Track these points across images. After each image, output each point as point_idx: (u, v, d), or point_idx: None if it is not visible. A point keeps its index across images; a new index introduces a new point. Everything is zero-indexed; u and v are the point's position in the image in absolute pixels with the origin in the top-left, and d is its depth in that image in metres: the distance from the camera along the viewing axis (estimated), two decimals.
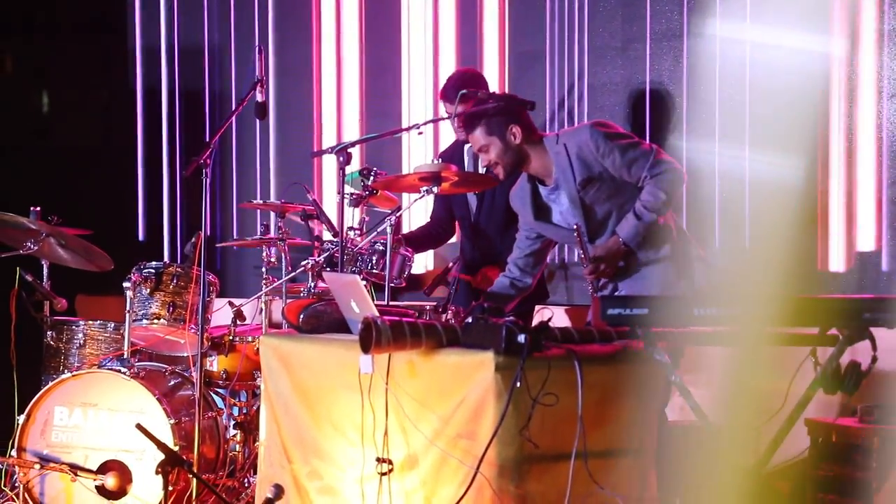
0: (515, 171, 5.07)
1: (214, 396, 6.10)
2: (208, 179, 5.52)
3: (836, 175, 6.02)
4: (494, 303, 5.00)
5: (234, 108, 5.84)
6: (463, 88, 5.76)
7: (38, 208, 6.20)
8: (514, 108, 5.03)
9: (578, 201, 4.94)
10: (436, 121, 5.86)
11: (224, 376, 6.09)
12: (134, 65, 8.24)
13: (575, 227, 4.92)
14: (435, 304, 4.87)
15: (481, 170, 5.33)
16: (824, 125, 5.98)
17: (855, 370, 3.84)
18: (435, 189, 5.06)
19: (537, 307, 5.97)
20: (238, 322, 6.04)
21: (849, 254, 6.01)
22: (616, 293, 4.98)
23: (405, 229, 6.61)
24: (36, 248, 6.16)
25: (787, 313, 3.83)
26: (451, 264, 5.58)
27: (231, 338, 6.04)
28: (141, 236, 8.16)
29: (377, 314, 4.20)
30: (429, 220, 6.28)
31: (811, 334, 3.90)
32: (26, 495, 5.69)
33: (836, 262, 6.04)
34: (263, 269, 6.10)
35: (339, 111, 7.65)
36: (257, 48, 5.74)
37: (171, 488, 4.79)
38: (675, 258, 4.96)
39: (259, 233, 6.16)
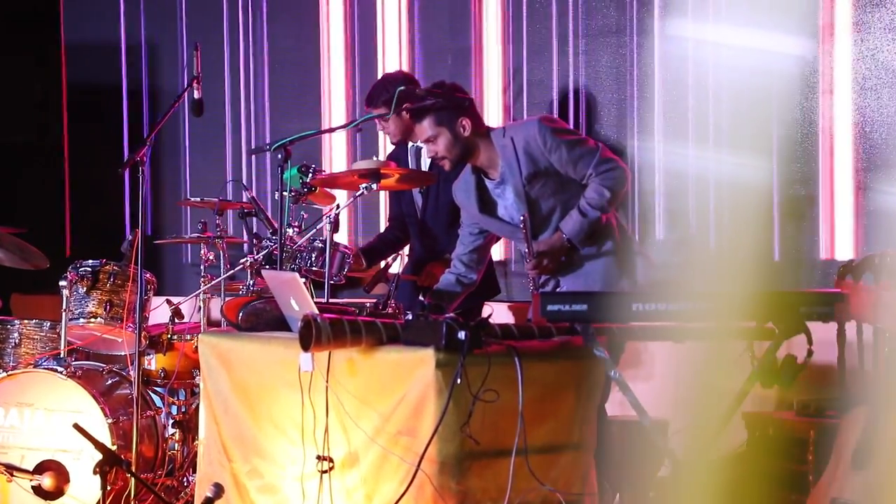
0: (462, 163, 5.07)
1: (153, 395, 6.05)
2: (145, 176, 5.48)
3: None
4: (441, 301, 5.00)
5: (171, 105, 5.79)
6: (386, 93, 5.80)
7: None
8: (464, 100, 5.02)
9: (524, 195, 4.94)
10: (374, 118, 5.83)
11: (162, 375, 6.05)
12: (73, 60, 8.18)
13: (522, 218, 4.91)
14: (375, 301, 4.86)
15: (425, 162, 5.31)
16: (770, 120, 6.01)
17: (791, 364, 3.88)
18: (374, 186, 5.04)
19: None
20: (176, 320, 6.00)
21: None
22: (558, 289, 4.99)
23: (344, 226, 6.61)
24: None
25: (725, 307, 3.85)
26: (389, 261, 5.58)
27: (169, 336, 6.00)
28: (76, 234, 8.09)
29: (317, 312, 4.19)
30: (387, 222, 6.23)
31: (748, 328, 3.93)
32: None
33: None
34: (201, 267, 6.07)
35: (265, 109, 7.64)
36: (195, 45, 5.71)
37: (109, 488, 4.74)
38: (618, 255, 4.97)
39: (197, 230, 6.12)
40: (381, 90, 5.93)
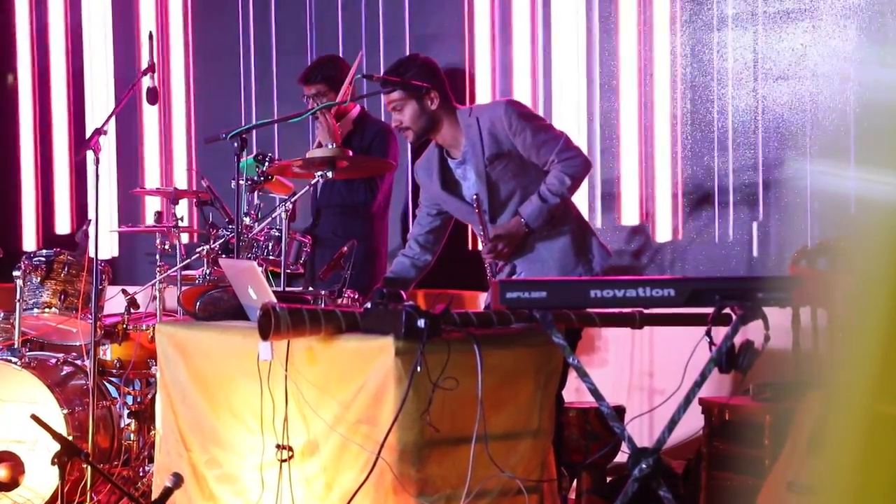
0: (425, 136, 5.05)
1: (108, 385, 6.03)
2: (98, 165, 5.44)
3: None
4: (395, 287, 4.99)
5: (124, 93, 5.76)
6: (322, 72, 5.89)
7: None
8: (436, 74, 5.02)
9: (484, 176, 4.93)
10: (334, 105, 5.84)
11: (118, 365, 6.03)
12: (15, 47, 8.11)
13: (474, 196, 4.91)
14: (331, 289, 4.85)
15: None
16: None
17: (749, 349, 3.90)
18: (329, 174, 5.03)
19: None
20: (132, 310, 5.97)
21: None
22: (515, 275, 4.99)
23: (300, 214, 6.61)
24: None
25: (684, 294, 3.87)
26: (344, 248, 5.56)
27: (125, 326, 5.97)
28: (31, 224, 8.03)
29: (275, 300, 4.18)
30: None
31: (706, 314, 3.96)
32: None
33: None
34: (157, 256, 6.04)
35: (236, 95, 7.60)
36: (149, 34, 5.69)
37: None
38: (574, 242, 4.97)
39: (153, 219, 6.09)
40: (321, 66, 6.05)
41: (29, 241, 8.13)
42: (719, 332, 3.89)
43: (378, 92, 5.30)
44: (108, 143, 7.45)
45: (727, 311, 3.89)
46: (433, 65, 5.08)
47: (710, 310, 3.91)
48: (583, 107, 6.47)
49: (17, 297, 5.85)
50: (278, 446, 4.28)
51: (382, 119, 6.40)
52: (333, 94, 5.94)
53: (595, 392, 3.96)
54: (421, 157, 5.24)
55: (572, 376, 4.43)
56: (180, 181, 7.45)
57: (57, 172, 8.08)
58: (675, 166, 6.22)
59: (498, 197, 4.97)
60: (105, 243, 7.57)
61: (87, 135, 5.60)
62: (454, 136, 5.02)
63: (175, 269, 5.83)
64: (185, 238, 6.05)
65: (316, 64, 6.24)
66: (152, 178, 7.70)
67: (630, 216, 6.36)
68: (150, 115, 7.74)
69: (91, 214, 5.52)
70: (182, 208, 6.09)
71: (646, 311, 4.20)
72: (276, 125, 7.20)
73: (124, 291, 5.98)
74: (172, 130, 7.74)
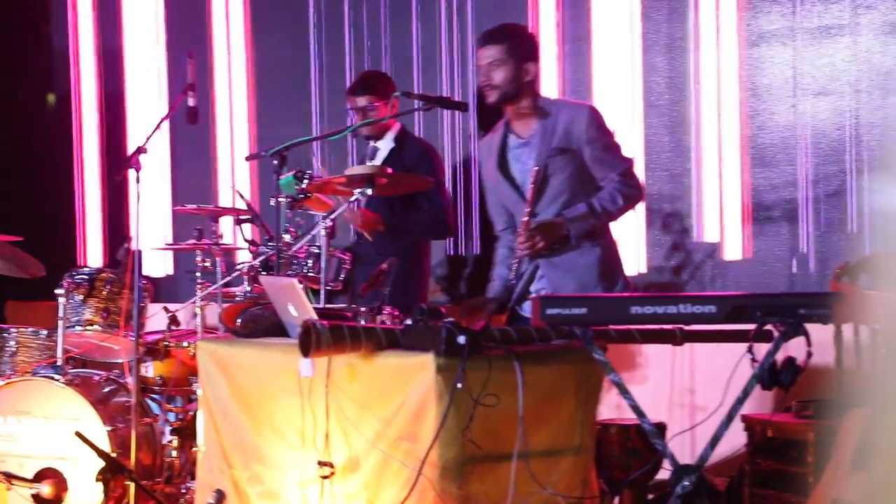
0: (505, 102, 5.00)
1: (150, 402, 6.05)
2: (140, 183, 5.48)
3: None
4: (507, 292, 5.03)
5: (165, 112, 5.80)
6: (372, 83, 5.90)
7: None
8: (538, 52, 5.03)
9: (543, 166, 4.90)
10: (375, 122, 5.85)
11: (160, 382, 6.05)
12: (58, 68, 8.17)
13: (535, 169, 4.87)
14: (371, 306, 4.86)
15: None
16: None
17: (791, 366, 3.87)
18: (369, 191, 5.04)
19: None
20: (173, 327, 6.00)
21: None
22: (536, 274, 4.96)
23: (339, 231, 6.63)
24: None
25: (725, 310, 3.85)
26: (384, 265, 5.56)
27: (166, 343, 6.00)
28: (72, 242, 8.08)
29: (316, 317, 4.19)
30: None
31: (748, 330, 3.94)
32: None
33: None
34: (197, 274, 6.06)
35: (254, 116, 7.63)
36: (189, 53, 5.71)
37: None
38: (602, 263, 4.95)
39: (193, 238, 6.12)
40: (370, 78, 6.07)
41: (90, 258, 8.17)
42: (761, 349, 3.88)
43: (416, 110, 5.30)
44: (154, 161, 7.54)
45: (769, 327, 3.88)
46: (536, 41, 5.10)
47: (751, 326, 3.90)
48: (636, 123, 6.46)
49: (60, 314, 5.88)
50: (320, 463, 4.28)
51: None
52: (380, 105, 5.96)
53: (636, 409, 3.94)
54: (487, 134, 5.23)
55: (613, 392, 4.41)
56: (221, 199, 7.47)
57: (90, 193, 8.12)
58: (720, 182, 6.21)
59: (546, 193, 4.95)
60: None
61: (129, 153, 5.63)
62: (529, 116, 5.00)
63: (216, 286, 5.84)
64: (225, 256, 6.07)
65: (362, 77, 6.26)
66: (193, 196, 7.73)
67: (674, 232, 6.33)
68: (191, 133, 7.77)
69: (133, 233, 5.55)
70: (223, 226, 6.11)
71: (687, 327, 4.18)
72: (316, 142, 7.21)
73: (166, 309, 6.00)
74: (216, 149, 7.77)
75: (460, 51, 6.87)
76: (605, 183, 4.92)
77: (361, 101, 6.05)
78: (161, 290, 6.93)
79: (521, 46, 4.96)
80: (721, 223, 6.26)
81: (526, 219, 4.86)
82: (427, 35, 7.05)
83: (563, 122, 4.91)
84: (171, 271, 7.78)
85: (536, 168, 4.88)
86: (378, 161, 6.04)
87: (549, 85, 6.60)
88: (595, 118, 4.95)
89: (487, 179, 5.19)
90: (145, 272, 5.56)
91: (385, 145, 6.08)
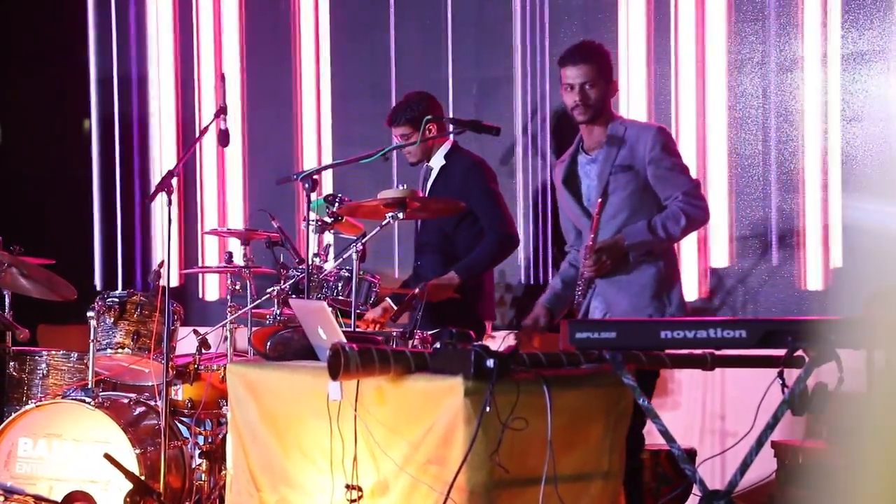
0: (592, 121, 5.00)
1: (179, 426, 6.06)
2: (171, 207, 5.50)
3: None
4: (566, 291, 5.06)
5: (196, 135, 5.82)
6: (410, 111, 5.86)
7: (0, 238, 6.17)
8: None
9: (605, 181, 4.91)
10: (401, 147, 5.86)
11: (189, 405, 6.05)
12: (89, 93, 8.22)
13: (599, 201, 4.86)
14: (401, 329, 4.86)
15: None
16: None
17: (822, 392, 3.85)
18: (400, 215, 5.04)
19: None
20: (203, 350, 6.01)
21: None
22: (593, 292, 4.96)
23: (370, 255, 6.62)
24: None
25: (756, 335, 3.83)
26: (416, 290, 5.57)
27: (196, 366, 6.00)
28: (103, 265, 8.11)
29: (345, 340, 4.19)
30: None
31: (778, 356, 3.92)
32: None
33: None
34: (228, 297, 6.08)
35: (305, 137, 7.64)
36: (221, 76, 5.75)
37: None
38: (657, 283, 4.92)
39: (224, 261, 6.14)
40: (404, 108, 5.99)
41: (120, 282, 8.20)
42: (792, 374, 3.86)
43: (448, 133, 5.31)
44: (185, 185, 7.57)
45: (800, 353, 3.86)
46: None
47: (782, 352, 3.88)
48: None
49: (91, 337, 5.90)
50: (348, 486, 4.28)
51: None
52: (412, 134, 5.89)
53: (666, 434, 3.93)
54: (562, 156, 5.24)
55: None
56: (252, 222, 7.48)
57: (122, 216, 8.16)
58: (734, 206, 6.20)
59: (606, 208, 4.93)
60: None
61: (160, 177, 5.65)
62: (601, 133, 5.00)
63: (246, 309, 5.86)
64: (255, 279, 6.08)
65: (399, 105, 6.18)
66: (224, 219, 7.75)
67: (702, 256, 6.32)
68: (226, 155, 7.80)
69: (164, 256, 5.57)
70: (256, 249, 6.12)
71: (717, 352, 4.16)
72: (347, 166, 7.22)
73: (196, 332, 6.02)
74: (246, 171, 7.80)
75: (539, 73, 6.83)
76: (669, 202, 4.91)
77: (397, 131, 6.02)
78: (191, 313, 6.95)
79: (608, 65, 5.02)
80: (752, 249, 6.24)
81: (591, 242, 4.86)
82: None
83: (629, 141, 4.93)
84: (217, 296, 7.75)
85: (600, 199, 4.87)
86: (431, 180, 6.01)
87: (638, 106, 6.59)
88: (661, 138, 4.94)
89: (559, 197, 5.21)
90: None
91: (436, 164, 6.04)
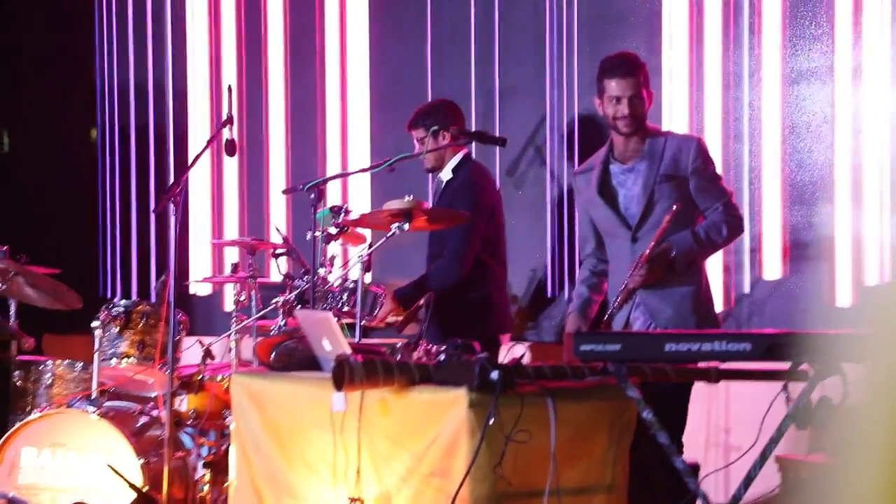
0: (635, 132, 5.03)
1: (183, 436, 6.05)
2: (178, 216, 5.51)
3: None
4: (589, 305, 5.12)
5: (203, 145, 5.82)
6: (429, 116, 5.86)
7: (6, 247, 6.18)
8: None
9: (650, 191, 4.96)
10: (409, 157, 5.85)
11: (193, 416, 6.04)
12: (96, 102, 8.23)
13: (673, 210, 4.84)
14: (406, 341, 4.86)
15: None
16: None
17: (826, 405, 3.85)
18: (406, 226, 5.05)
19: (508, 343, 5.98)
20: (208, 361, 6.00)
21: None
22: (634, 303, 4.96)
23: (376, 265, 6.63)
24: (3, 287, 6.13)
25: (760, 348, 3.83)
26: (421, 301, 5.57)
27: (201, 377, 5.99)
28: (109, 274, 8.12)
29: (349, 351, 4.19)
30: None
31: (782, 370, 3.91)
32: None
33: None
34: (233, 307, 6.07)
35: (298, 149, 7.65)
36: (228, 87, 5.75)
37: None
38: (698, 293, 5.00)
39: (229, 270, 6.14)
40: (424, 113, 6.00)
41: (126, 291, 8.20)
42: (797, 388, 3.85)
43: (451, 145, 5.32)
44: (191, 195, 7.56)
45: (804, 366, 3.85)
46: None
47: (787, 365, 3.87)
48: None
49: (96, 347, 5.90)
50: (351, 499, 4.27)
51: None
52: (425, 138, 5.90)
53: (669, 447, 3.92)
54: (582, 167, 5.28)
55: None
56: (257, 232, 7.49)
57: (134, 225, 8.17)
58: (752, 221, 6.18)
59: (649, 218, 4.97)
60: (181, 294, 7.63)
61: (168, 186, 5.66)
62: (637, 144, 5.05)
63: (251, 319, 5.86)
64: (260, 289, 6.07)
65: (419, 109, 6.16)
66: (231, 229, 7.75)
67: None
68: (233, 165, 7.81)
69: (170, 266, 5.57)
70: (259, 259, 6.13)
71: (722, 365, 4.16)
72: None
73: (200, 342, 6.01)
74: (249, 181, 7.80)
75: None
76: (708, 213, 4.99)
77: (415, 134, 6.04)
78: (196, 323, 6.95)
79: (647, 77, 5.07)
80: (756, 262, 6.23)
81: (649, 251, 4.86)
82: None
83: (671, 151, 4.99)
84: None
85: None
86: (439, 192, 6.02)
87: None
88: (701, 147, 5.04)
89: (586, 205, 5.22)
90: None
91: (445, 176, 6.04)
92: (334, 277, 5.37)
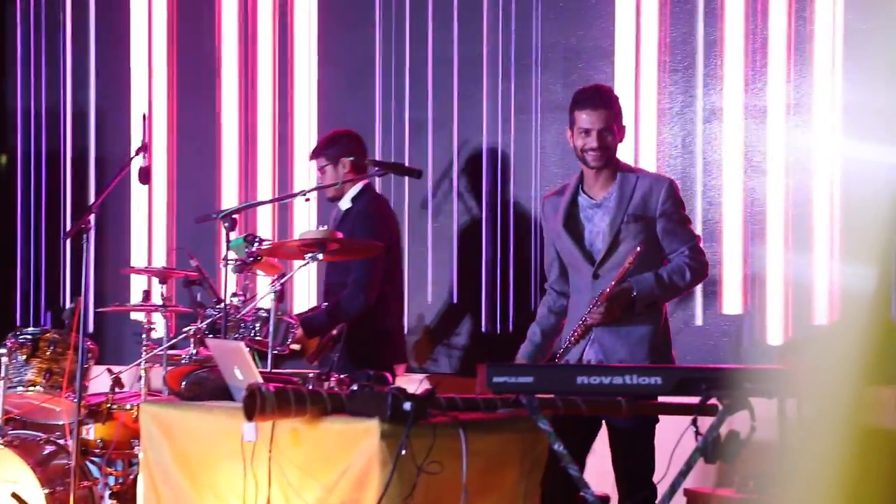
0: (603, 166, 4.96)
1: (90, 465, 5.98)
2: (89, 244, 5.46)
3: None
4: (547, 342, 5.06)
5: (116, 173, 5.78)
6: (332, 146, 5.88)
7: None
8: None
9: (616, 230, 4.89)
10: (323, 187, 5.85)
11: (101, 445, 5.97)
12: (13, 128, 8.14)
13: (638, 249, 4.81)
14: (318, 371, 4.84)
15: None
16: None
17: (734, 439, 3.89)
18: (320, 256, 5.04)
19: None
20: (116, 389, 5.94)
21: None
22: (588, 341, 4.91)
23: (290, 296, 6.61)
24: None
25: (671, 382, 3.87)
26: (334, 332, 5.56)
27: (109, 405, 5.92)
28: (18, 302, 8.01)
29: (261, 381, 4.17)
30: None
31: (692, 403, 3.95)
32: None
33: None
34: (143, 336, 6.01)
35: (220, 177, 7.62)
36: (143, 115, 5.73)
37: None
38: (657, 334, 4.92)
39: (140, 299, 6.09)
40: (326, 143, 6.02)
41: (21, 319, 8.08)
42: (706, 422, 3.89)
43: (370, 175, 5.34)
44: (99, 223, 7.48)
45: (713, 401, 3.90)
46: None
47: (696, 399, 3.92)
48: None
49: (2, 374, 5.82)
50: None
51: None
52: (329, 168, 5.92)
53: (580, 480, 3.95)
54: (553, 191, 5.23)
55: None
56: (168, 260, 7.42)
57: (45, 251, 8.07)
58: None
59: (614, 254, 4.91)
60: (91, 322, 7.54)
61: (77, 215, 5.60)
62: (607, 179, 4.98)
63: (161, 348, 5.81)
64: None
65: (322, 139, 6.18)
66: (143, 257, 7.69)
67: None
68: (139, 194, 7.73)
69: (79, 293, 5.52)
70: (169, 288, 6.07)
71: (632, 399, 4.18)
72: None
73: (109, 370, 5.94)
74: (157, 210, 7.74)
75: None
76: (674, 257, 4.92)
77: (318, 163, 6.04)
78: (105, 351, 6.87)
79: (620, 110, 5.02)
80: None
81: (609, 289, 4.80)
82: None
83: (641, 190, 4.93)
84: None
85: (639, 249, 4.82)
86: (338, 221, 6.00)
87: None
88: (672, 190, 4.96)
89: (551, 234, 5.15)
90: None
91: (344, 205, 6.02)
92: (246, 307, 5.34)
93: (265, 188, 7.38)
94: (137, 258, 7.66)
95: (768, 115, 6.10)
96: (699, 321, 6.21)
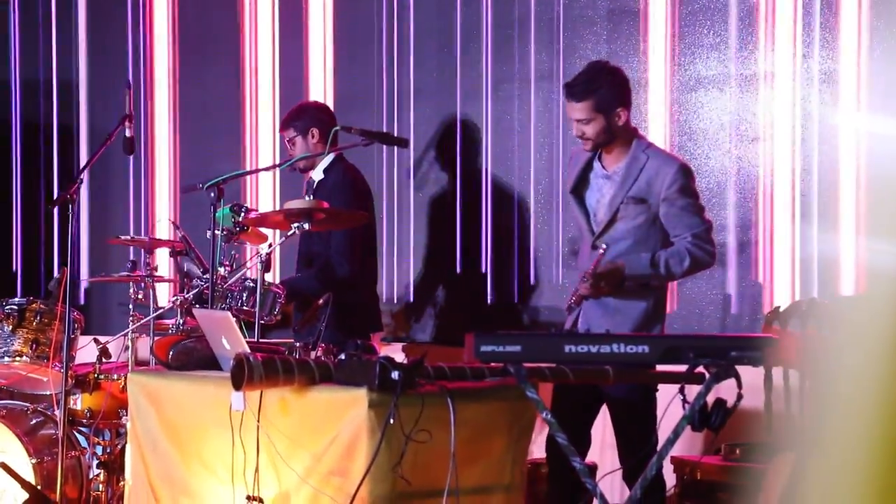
0: (604, 147, 4.90)
1: (77, 435, 5.98)
2: (75, 214, 5.44)
3: None
4: None
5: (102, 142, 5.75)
6: (300, 118, 5.87)
7: None
8: (627, 92, 4.91)
9: (615, 209, 4.83)
10: (310, 157, 5.83)
11: (88, 415, 5.96)
12: (9, 97, 8.11)
13: (603, 248, 4.77)
14: (305, 341, 4.84)
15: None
16: None
17: (721, 408, 3.91)
18: (306, 226, 5.03)
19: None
20: (103, 359, 5.93)
21: None
22: (580, 310, 4.89)
23: (275, 265, 6.60)
24: None
25: (658, 351, 3.88)
26: (320, 301, 5.54)
27: (96, 375, 5.92)
28: (3, 272, 7.99)
29: (249, 351, 4.17)
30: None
31: (679, 372, 3.97)
32: None
33: None
34: (130, 306, 6.00)
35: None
36: (127, 84, 5.70)
37: None
38: (645, 315, 4.85)
39: (127, 269, 6.07)
40: (294, 115, 6.00)
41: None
42: (693, 390, 3.91)
43: (355, 145, 5.33)
44: (92, 192, 7.47)
45: (700, 369, 3.91)
46: (624, 78, 4.94)
47: (683, 367, 3.93)
48: None
49: None
50: (249, 498, 4.26)
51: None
52: (299, 139, 5.92)
53: (567, 448, 3.96)
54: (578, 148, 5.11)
55: (546, 430, 4.42)
56: (157, 231, 7.41)
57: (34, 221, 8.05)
58: None
59: (610, 229, 4.86)
60: (77, 292, 7.52)
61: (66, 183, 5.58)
62: (619, 153, 4.90)
63: (148, 318, 5.80)
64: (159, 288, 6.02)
65: (290, 111, 6.17)
66: (128, 228, 7.67)
67: None
68: (128, 164, 7.71)
69: (65, 264, 5.50)
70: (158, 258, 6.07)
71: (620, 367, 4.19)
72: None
73: (96, 341, 5.93)
74: (153, 180, 7.72)
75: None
76: (677, 241, 4.82)
77: (285, 134, 6.02)
78: (92, 321, 6.86)
79: (607, 97, 4.82)
80: None
81: (593, 266, 4.76)
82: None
83: (647, 173, 4.82)
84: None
85: (604, 246, 4.78)
86: (312, 193, 5.97)
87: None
88: (681, 177, 4.82)
89: (569, 191, 5.12)
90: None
91: (317, 177, 5.99)
92: (233, 277, 5.33)
93: (266, 160, 7.36)
94: (137, 231, 7.64)
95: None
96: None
